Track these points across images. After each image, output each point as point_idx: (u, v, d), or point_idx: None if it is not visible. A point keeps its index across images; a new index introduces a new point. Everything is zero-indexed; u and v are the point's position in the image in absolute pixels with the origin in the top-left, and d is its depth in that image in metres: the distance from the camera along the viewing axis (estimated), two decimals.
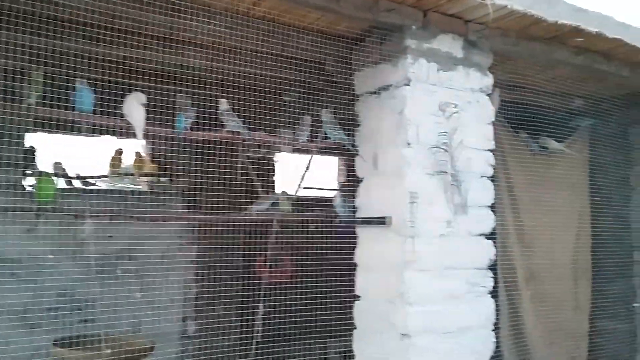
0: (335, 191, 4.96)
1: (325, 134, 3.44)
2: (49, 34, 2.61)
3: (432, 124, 3.11)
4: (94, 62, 2.77)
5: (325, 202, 3.99)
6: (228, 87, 3.25)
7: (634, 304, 4.61)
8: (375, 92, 3.30)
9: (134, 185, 4.64)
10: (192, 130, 3.16)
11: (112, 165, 4.37)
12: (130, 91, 3.01)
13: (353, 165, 3.48)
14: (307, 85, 3.46)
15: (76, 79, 2.80)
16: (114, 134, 4.18)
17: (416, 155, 3.04)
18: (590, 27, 3.37)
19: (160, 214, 3.94)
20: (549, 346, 4.10)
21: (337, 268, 3.37)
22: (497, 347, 3.40)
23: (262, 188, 4.24)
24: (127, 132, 3.03)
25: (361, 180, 3.41)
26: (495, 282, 3.42)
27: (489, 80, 3.41)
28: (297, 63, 3.41)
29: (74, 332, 3.98)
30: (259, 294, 3.67)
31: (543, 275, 4.11)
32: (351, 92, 3.45)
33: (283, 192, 3.80)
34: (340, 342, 4.18)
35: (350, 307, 3.32)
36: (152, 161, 4.79)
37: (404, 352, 2.94)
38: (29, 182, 4.06)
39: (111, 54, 3.06)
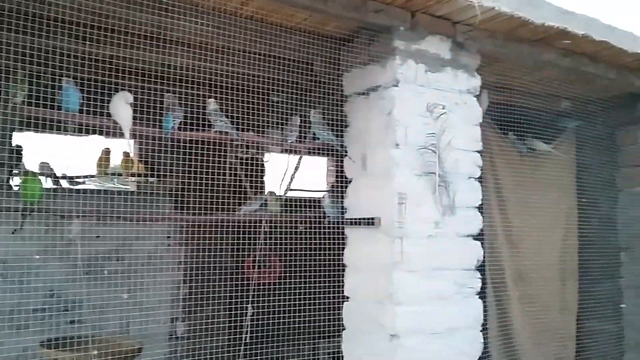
0: (324, 192, 4.96)
1: (314, 134, 3.44)
2: (35, 32, 2.58)
3: (421, 125, 3.11)
4: (81, 60, 2.75)
5: (314, 203, 3.98)
6: (216, 87, 3.24)
7: (621, 305, 4.63)
8: (363, 93, 3.31)
9: (122, 185, 4.62)
10: (180, 130, 3.15)
11: (100, 165, 4.33)
12: (117, 90, 3.00)
13: (342, 166, 3.48)
14: (295, 85, 3.46)
15: (63, 77, 2.77)
16: (101, 133, 4.14)
17: (404, 156, 3.05)
18: (577, 30, 3.39)
19: (148, 214, 3.91)
20: (537, 347, 4.12)
21: (326, 269, 3.37)
22: (486, 347, 3.42)
23: (251, 188, 4.23)
24: (114, 131, 3.01)
25: (350, 181, 3.41)
26: (484, 283, 3.44)
27: (476, 81, 3.42)
28: (286, 63, 3.40)
29: (61, 333, 3.96)
30: (248, 294, 3.67)
31: (531, 276, 4.13)
32: (340, 92, 3.45)
33: (272, 192, 3.80)
34: (329, 342, 4.17)
35: (339, 308, 3.32)
36: (140, 161, 4.76)
37: (392, 352, 2.95)
38: (15, 181, 4.02)
39: (98, 52, 3.04)
